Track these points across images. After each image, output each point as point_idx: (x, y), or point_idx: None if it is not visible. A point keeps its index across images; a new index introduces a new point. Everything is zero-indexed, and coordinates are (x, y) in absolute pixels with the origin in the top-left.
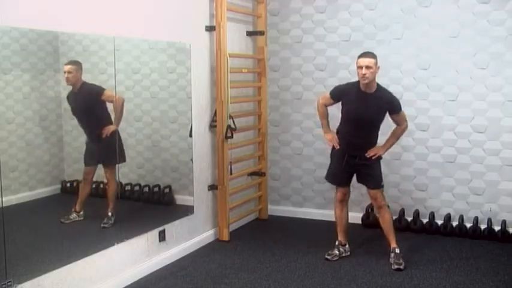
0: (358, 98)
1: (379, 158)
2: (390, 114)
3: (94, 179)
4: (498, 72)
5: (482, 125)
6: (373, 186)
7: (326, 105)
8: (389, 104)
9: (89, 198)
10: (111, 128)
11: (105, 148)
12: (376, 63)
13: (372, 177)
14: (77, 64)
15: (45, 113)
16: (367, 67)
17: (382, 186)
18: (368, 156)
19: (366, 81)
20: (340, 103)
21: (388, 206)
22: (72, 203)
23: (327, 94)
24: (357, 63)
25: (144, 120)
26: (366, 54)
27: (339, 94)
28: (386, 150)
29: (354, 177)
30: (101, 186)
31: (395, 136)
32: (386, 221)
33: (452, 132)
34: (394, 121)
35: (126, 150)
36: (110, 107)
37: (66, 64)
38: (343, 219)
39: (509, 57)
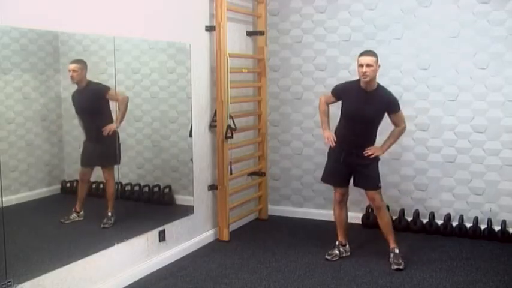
0: (358, 96)
1: (377, 158)
2: (389, 113)
3: (93, 179)
4: (498, 72)
5: (482, 125)
6: (369, 187)
7: (328, 103)
8: (388, 103)
9: (89, 198)
10: (112, 126)
11: (103, 149)
12: (376, 62)
13: (368, 177)
14: (81, 63)
15: (45, 113)
16: (368, 65)
17: (379, 187)
18: (366, 155)
19: (367, 79)
20: (340, 102)
21: (388, 207)
22: (72, 203)
23: (329, 93)
24: (358, 61)
25: (144, 120)
26: (367, 53)
27: (339, 92)
28: (384, 151)
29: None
30: (101, 186)
31: (393, 137)
32: (384, 222)
33: (452, 132)
34: (393, 121)
35: (126, 150)
36: (112, 106)
37: (71, 63)
38: (342, 220)
39: (509, 57)
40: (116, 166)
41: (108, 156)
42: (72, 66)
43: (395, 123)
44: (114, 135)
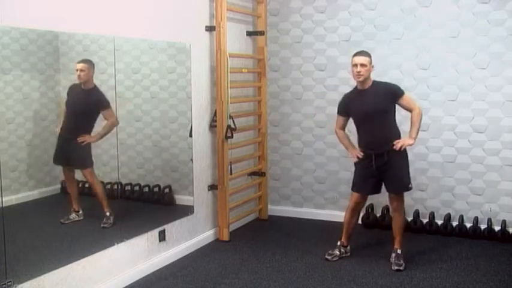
0: (359, 96)
1: (406, 155)
2: (396, 101)
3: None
4: (498, 72)
5: (482, 125)
6: (401, 190)
7: (342, 128)
8: (390, 90)
9: (88, 198)
10: (90, 139)
11: (73, 151)
12: (370, 62)
13: (398, 179)
14: (89, 63)
15: (45, 113)
16: (362, 65)
17: (410, 188)
18: (396, 148)
19: (361, 78)
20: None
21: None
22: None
23: (336, 116)
24: (351, 61)
25: (144, 120)
26: (360, 53)
27: (343, 106)
28: (414, 139)
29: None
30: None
31: (415, 122)
32: (397, 225)
33: (452, 132)
34: (404, 107)
35: (126, 150)
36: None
37: (79, 62)
38: (351, 225)
39: (509, 57)
40: (115, 166)
41: (77, 158)
42: (80, 65)
43: (408, 109)
44: (88, 145)
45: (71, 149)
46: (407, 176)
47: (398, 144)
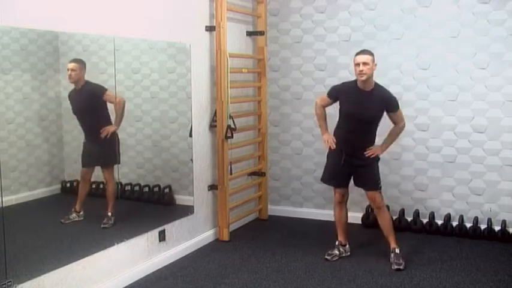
0: (356, 96)
1: (377, 158)
2: (388, 112)
3: (93, 179)
4: (498, 72)
5: (482, 125)
6: (370, 188)
7: (324, 106)
8: (387, 102)
9: (89, 198)
10: (111, 128)
11: (103, 149)
12: (373, 60)
13: (369, 178)
14: (80, 62)
15: (45, 113)
16: (364, 63)
17: (380, 188)
18: (366, 156)
19: (364, 77)
20: (337, 103)
21: (388, 207)
22: (72, 203)
23: (324, 95)
24: (354, 60)
25: (144, 120)
26: (363, 52)
27: (336, 93)
28: (384, 150)
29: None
30: (101, 186)
31: (393, 135)
32: (385, 222)
33: (452, 132)
34: (392, 120)
35: (126, 150)
36: (110, 107)
37: (70, 62)
38: (342, 220)
39: (509, 57)
40: (116, 166)
41: (107, 156)
42: (71, 65)
43: (395, 122)
44: (114, 136)
45: (99, 149)
46: (377, 175)
47: (370, 152)
